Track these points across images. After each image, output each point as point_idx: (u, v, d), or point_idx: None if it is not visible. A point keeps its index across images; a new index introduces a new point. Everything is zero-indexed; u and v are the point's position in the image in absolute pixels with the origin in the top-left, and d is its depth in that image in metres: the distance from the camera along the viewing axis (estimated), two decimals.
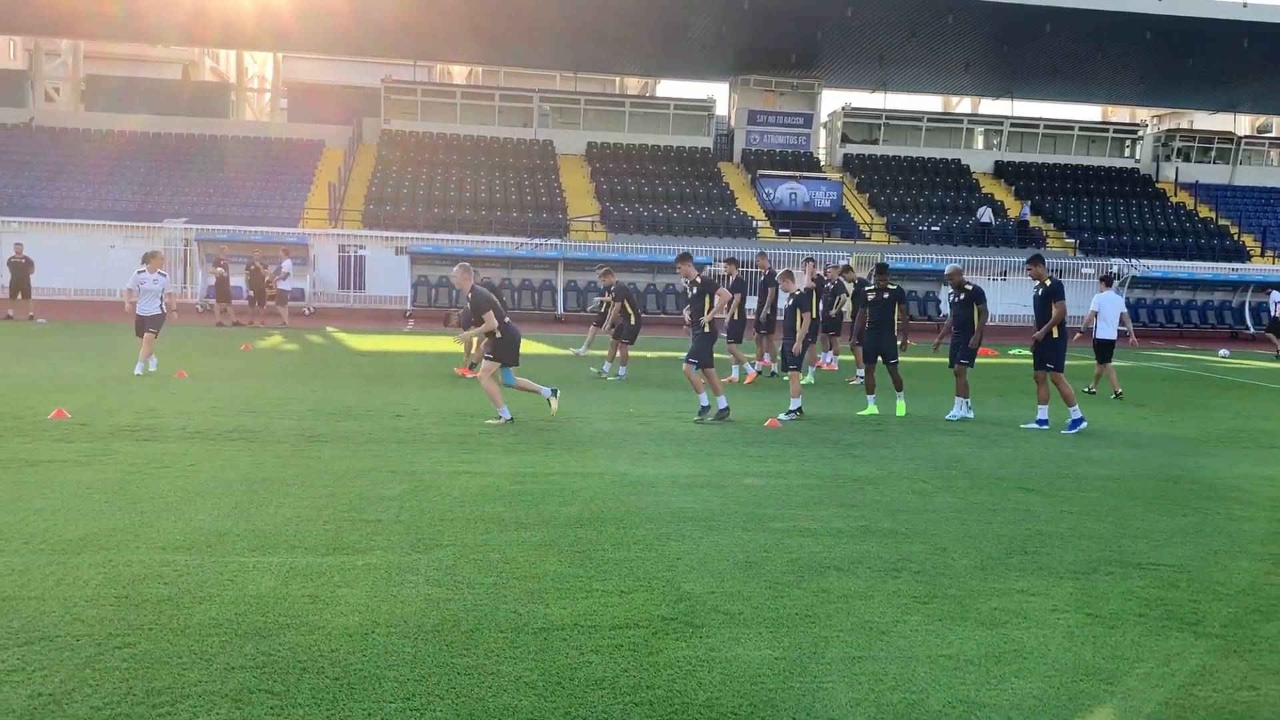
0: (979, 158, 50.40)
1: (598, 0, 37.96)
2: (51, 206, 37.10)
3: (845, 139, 49.91)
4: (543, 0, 38.11)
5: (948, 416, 12.97)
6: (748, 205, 43.29)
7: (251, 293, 25.80)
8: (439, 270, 32.48)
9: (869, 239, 42.24)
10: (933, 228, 42.25)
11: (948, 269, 13.60)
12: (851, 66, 47.54)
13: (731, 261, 16.24)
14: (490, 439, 10.25)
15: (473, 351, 16.10)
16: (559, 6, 38.73)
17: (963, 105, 58.23)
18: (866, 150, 49.42)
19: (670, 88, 57.96)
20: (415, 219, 38.43)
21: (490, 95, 48.02)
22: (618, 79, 54.92)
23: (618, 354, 16.77)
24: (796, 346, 12.72)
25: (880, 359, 13.18)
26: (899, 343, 13.28)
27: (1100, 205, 46.68)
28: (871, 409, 13.03)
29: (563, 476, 8.51)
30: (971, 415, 13.03)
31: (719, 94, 52.81)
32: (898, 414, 12.96)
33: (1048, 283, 12.61)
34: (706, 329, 12.38)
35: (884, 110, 50.24)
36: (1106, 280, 17.10)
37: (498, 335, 11.43)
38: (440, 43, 45.00)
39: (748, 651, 4.78)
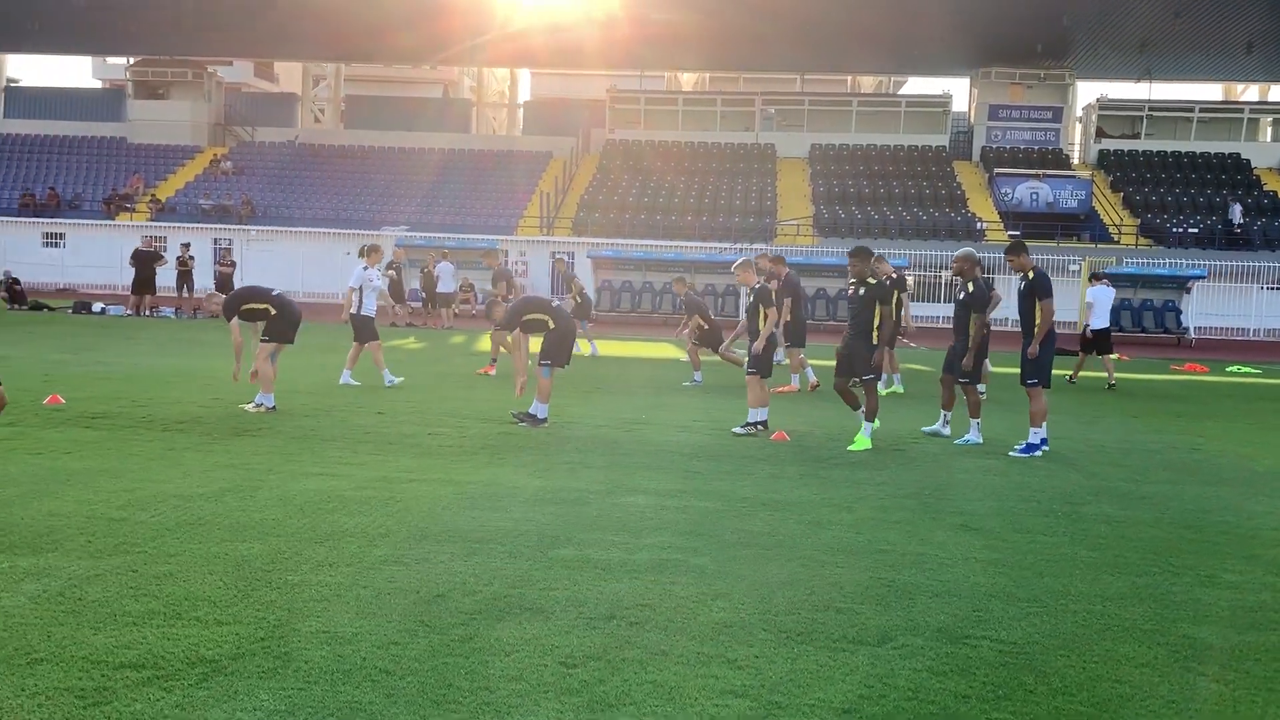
0: (1265, 152, 44.37)
1: None
2: (304, 216, 40.20)
3: (1100, 133, 45.45)
4: (778, 3, 37.23)
5: (1014, 451, 10.22)
6: (980, 207, 40.27)
7: (425, 294, 26.71)
8: (624, 275, 32.36)
9: (1117, 242, 38.16)
10: (1190, 229, 37.54)
11: (958, 254, 11.13)
12: (1107, 54, 43.27)
13: (778, 260, 14.61)
14: (440, 441, 9.65)
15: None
16: (794, 8, 37.69)
17: (1249, 92, 51.56)
18: (1125, 145, 44.76)
19: (906, 84, 55.08)
20: (621, 225, 38.55)
21: (712, 101, 47.55)
22: (849, 79, 52.85)
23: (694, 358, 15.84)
24: (757, 346, 10.81)
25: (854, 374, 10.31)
26: (882, 346, 10.37)
27: None
28: (862, 440, 10.10)
29: (420, 484, 7.75)
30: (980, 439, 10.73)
31: (958, 89, 49.56)
32: (854, 446, 9.97)
33: (1031, 275, 10.32)
34: (747, 354, 10.99)
35: (1147, 101, 45.37)
36: (1098, 276, 18.15)
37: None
38: (669, 50, 45.00)
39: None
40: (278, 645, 4.48)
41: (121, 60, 52.06)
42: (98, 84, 61.00)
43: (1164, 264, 32.70)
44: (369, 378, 13.73)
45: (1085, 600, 5.56)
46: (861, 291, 10.23)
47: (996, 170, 41.51)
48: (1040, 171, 41.00)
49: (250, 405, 11.13)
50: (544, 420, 10.83)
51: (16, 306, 27.09)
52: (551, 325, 10.87)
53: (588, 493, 7.70)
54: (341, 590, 5.25)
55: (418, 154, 45.75)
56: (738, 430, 10.75)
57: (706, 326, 15.25)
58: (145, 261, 26.45)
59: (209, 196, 41.88)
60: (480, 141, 48.04)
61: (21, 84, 55.03)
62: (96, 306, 27.21)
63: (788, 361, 15.29)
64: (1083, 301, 17.91)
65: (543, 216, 39.65)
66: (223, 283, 27.34)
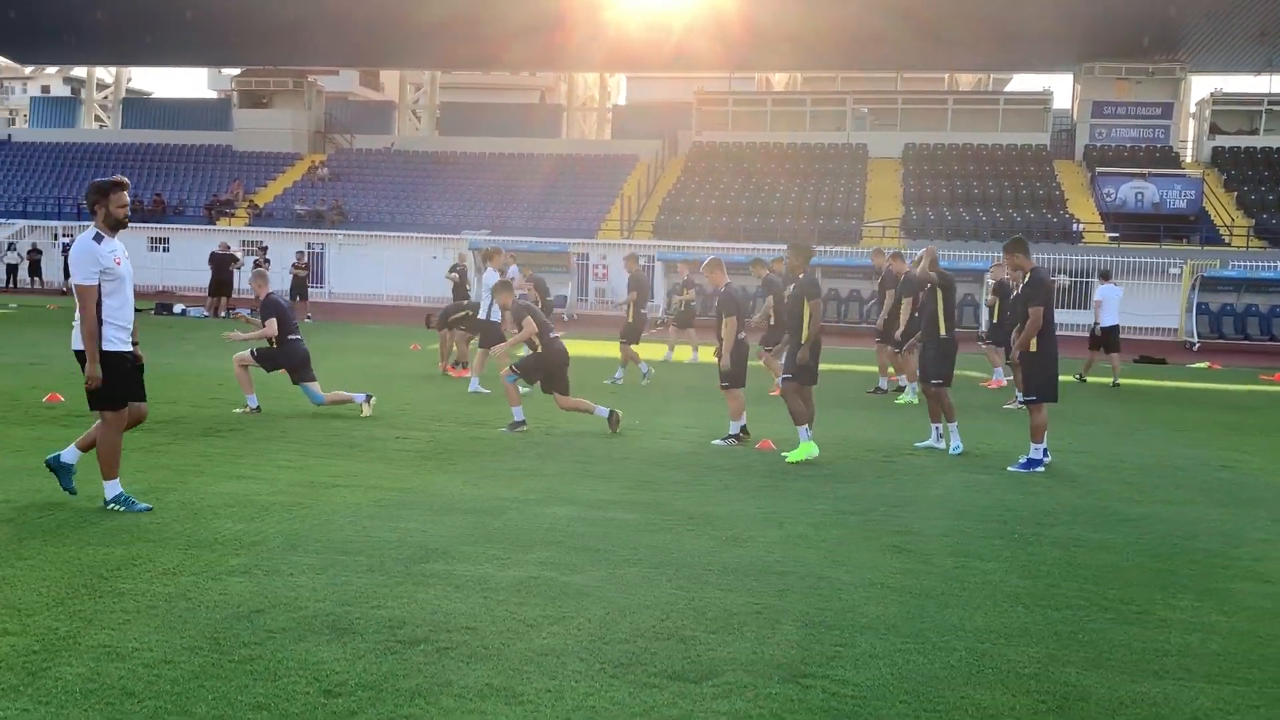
0: None
1: None
2: (394, 221, 40.92)
3: (1214, 129, 42.97)
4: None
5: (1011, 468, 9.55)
6: (1080, 207, 38.48)
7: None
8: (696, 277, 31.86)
9: (1227, 244, 35.98)
10: None
11: (922, 251, 10.61)
12: (1222, 46, 41.01)
13: (758, 263, 14.33)
14: (402, 446, 9.43)
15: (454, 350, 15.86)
16: (894, 4, 36.79)
17: None
18: (1241, 142, 42.23)
19: (1011, 82, 53.14)
20: (702, 228, 38.06)
21: (802, 101, 46.67)
22: (946, 76, 51.22)
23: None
24: (724, 362, 10.16)
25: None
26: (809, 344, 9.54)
27: None
28: (806, 448, 9.33)
29: (344, 490, 7.50)
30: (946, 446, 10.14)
31: (1059, 86, 47.14)
32: (792, 456, 9.28)
33: (1028, 277, 9.47)
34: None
35: (1266, 95, 42.69)
36: (1105, 275, 18.54)
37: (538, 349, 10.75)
38: (765, 51, 44.37)
39: None
40: (40, 660, 4.25)
41: (234, 71, 53.92)
42: (212, 95, 63.40)
43: (1271, 267, 30.60)
44: (496, 384, 13.06)
45: (975, 636, 4.96)
46: (790, 288, 9.81)
47: (1099, 169, 39.63)
48: (1146, 170, 38.98)
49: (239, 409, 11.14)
50: (521, 422, 10.56)
51: None
52: (539, 349, 10.68)
53: (511, 503, 7.34)
54: (159, 601, 5.00)
55: (507, 159, 46.09)
56: (717, 443, 10.25)
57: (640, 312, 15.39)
58: (221, 264, 27.13)
59: (304, 202, 42.96)
60: (569, 146, 48.11)
61: (138, 96, 57.50)
62: (177, 308, 28.05)
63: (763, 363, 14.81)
64: (1097, 303, 18.03)
65: (623, 220, 39.44)
66: (297, 286, 27.92)
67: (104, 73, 58.56)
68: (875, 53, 44.44)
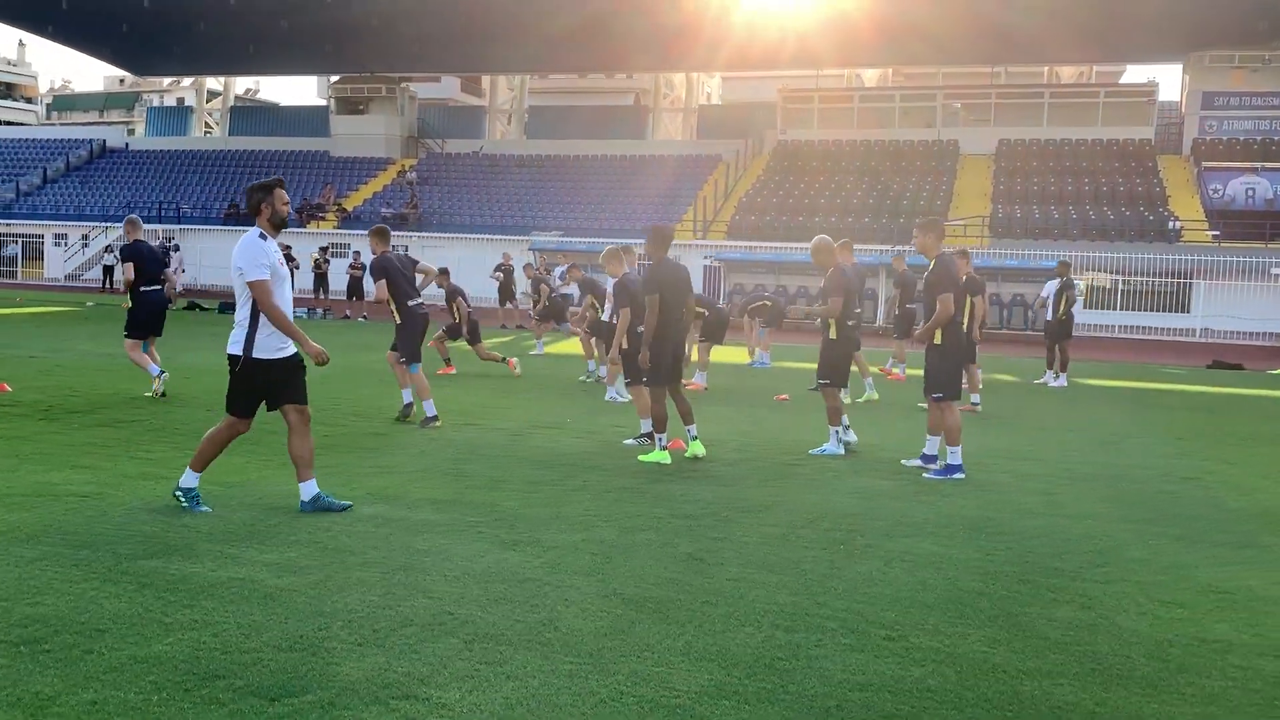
0: None
1: None
2: (477, 223, 41.32)
3: None
4: None
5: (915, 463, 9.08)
6: (1183, 205, 36.12)
7: (536, 297, 26.55)
8: (756, 278, 31.14)
9: None
10: None
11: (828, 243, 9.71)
12: None
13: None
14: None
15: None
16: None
17: None
18: None
19: (1124, 74, 50.43)
20: (778, 228, 37.19)
21: (890, 97, 45.16)
22: (1045, 69, 48.82)
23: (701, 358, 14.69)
24: (612, 353, 9.66)
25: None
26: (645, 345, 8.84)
27: None
28: (661, 455, 8.77)
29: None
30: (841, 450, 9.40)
31: (1167, 77, 44.17)
32: (645, 457, 8.84)
33: (931, 262, 8.67)
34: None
35: None
36: (1065, 267, 17.61)
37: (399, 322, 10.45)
38: (848, 47, 43.22)
39: None
40: None
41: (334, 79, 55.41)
42: (321, 102, 65.29)
43: None
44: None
45: (607, 654, 4.35)
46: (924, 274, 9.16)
47: (1204, 164, 37.19)
48: (1258, 164, 36.41)
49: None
50: (433, 417, 10.26)
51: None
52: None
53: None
54: None
55: (591, 161, 46.05)
56: (628, 441, 9.71)
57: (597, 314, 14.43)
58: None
59: (390, 205, 43.75)
60: (652, 147, 47.75)
61: (246, 104, 59.63)
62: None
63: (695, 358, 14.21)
64: (1044, 299, 17.98)
65: (696, 220, 38.87)
66: (353, 286, 28.31)
67: (213, 83, 60.98)
68: (971, 47, 42.77)
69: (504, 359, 15.45)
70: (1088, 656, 4.58)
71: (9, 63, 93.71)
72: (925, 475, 8.59)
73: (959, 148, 42.15)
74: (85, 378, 13.03)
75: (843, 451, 9.46)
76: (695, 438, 9.08)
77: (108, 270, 39.04)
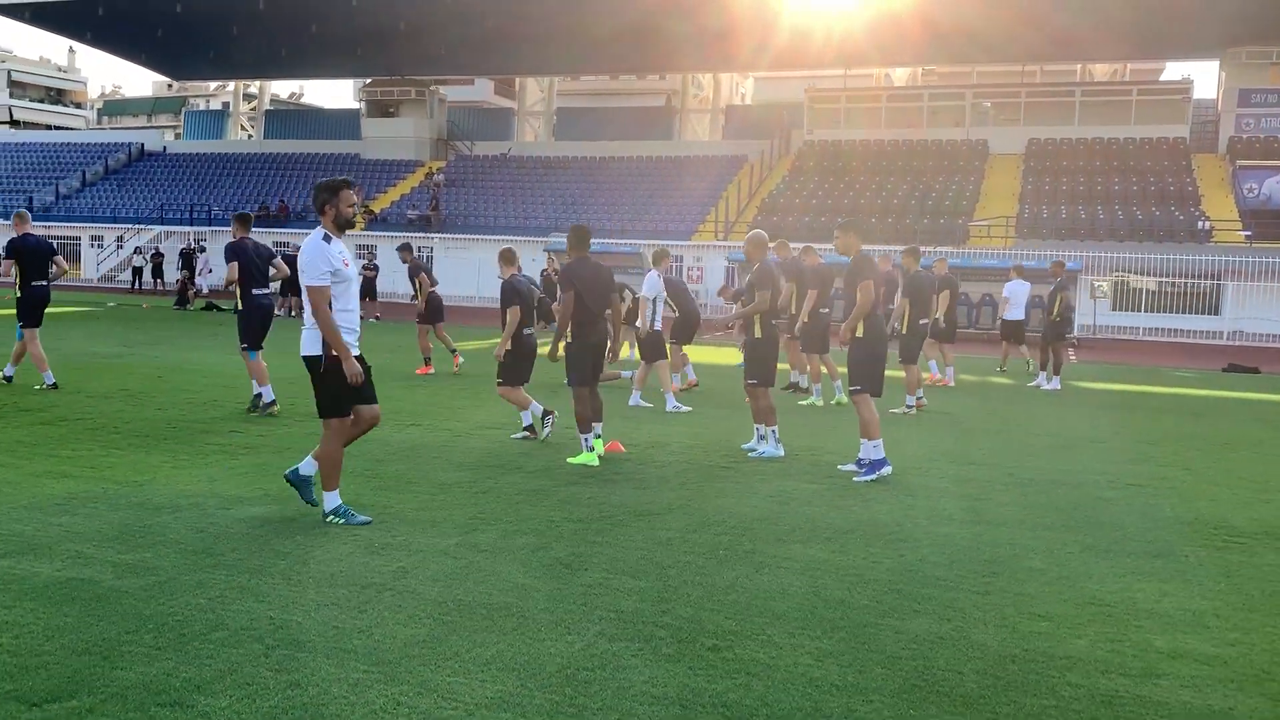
0: None
1: None
2: (500, 224, 41.46)
3: None
4: None
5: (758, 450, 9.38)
6: (1217, 205, 35.24)
7: (544, 295, 26.56)
8: None
9: None
10: None
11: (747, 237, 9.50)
12: None
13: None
14: (217, 440, 9.17)
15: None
16: None
17: None
18: None
19: (1164, 71, 49.29)
20: (800, 229, 36.82)
21: (918, 96, 44.55)
22: (1079, 67, 47.86)
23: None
24: (498, 352, 9.72)
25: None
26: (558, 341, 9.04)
27: None
28: (589, 456, 8.69)
29: (51, 480, 7.25)
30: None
31: (1200, 73, 42.80)
32: (573, 459, 8.70)
33: (851, 256, 8.50)
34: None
35: None
36: (1018, 270, 18.91)
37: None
38: (892, 47, 42.70)
39: None
40: None
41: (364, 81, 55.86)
42: (355, 105, 65.89)
43: None
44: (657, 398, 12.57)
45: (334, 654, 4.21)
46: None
47: (1239, 163, 36.28)
48: None
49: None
50: (271, 402, 10.71)
51: (182, 307, 29.37)
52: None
53: (199, 499, 6.92)
54: None
55: (616, 163, 45.98)
56: (515, 436, 9.85)
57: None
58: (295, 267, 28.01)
59: (415, 207, 44.01)
60: (678, 148, 47.58)
61: (280, 108, 60.28)
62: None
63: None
64: (1005, 299, 18.89)
65: (718, 221, 38.64)
66: (366, 287, 28.44)
67: (255, 87, 61.76)
68: (1003, 45, 42.09)
69: (454, 351, 15.56)
70: (916, 672, 4.38)
71: (60, 69, 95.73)
72: (855, 479, 8.37)
73: (988, 147, 41.52)
74: (58, 376, 13.12)
75: (782, 453, 9.26)
76: (599, 436, 9.00)
77: (136, 271, 39.68)
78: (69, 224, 46.80)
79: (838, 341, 9.09)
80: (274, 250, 11.58)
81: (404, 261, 15.72)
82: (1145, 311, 30.93)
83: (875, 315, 8.48)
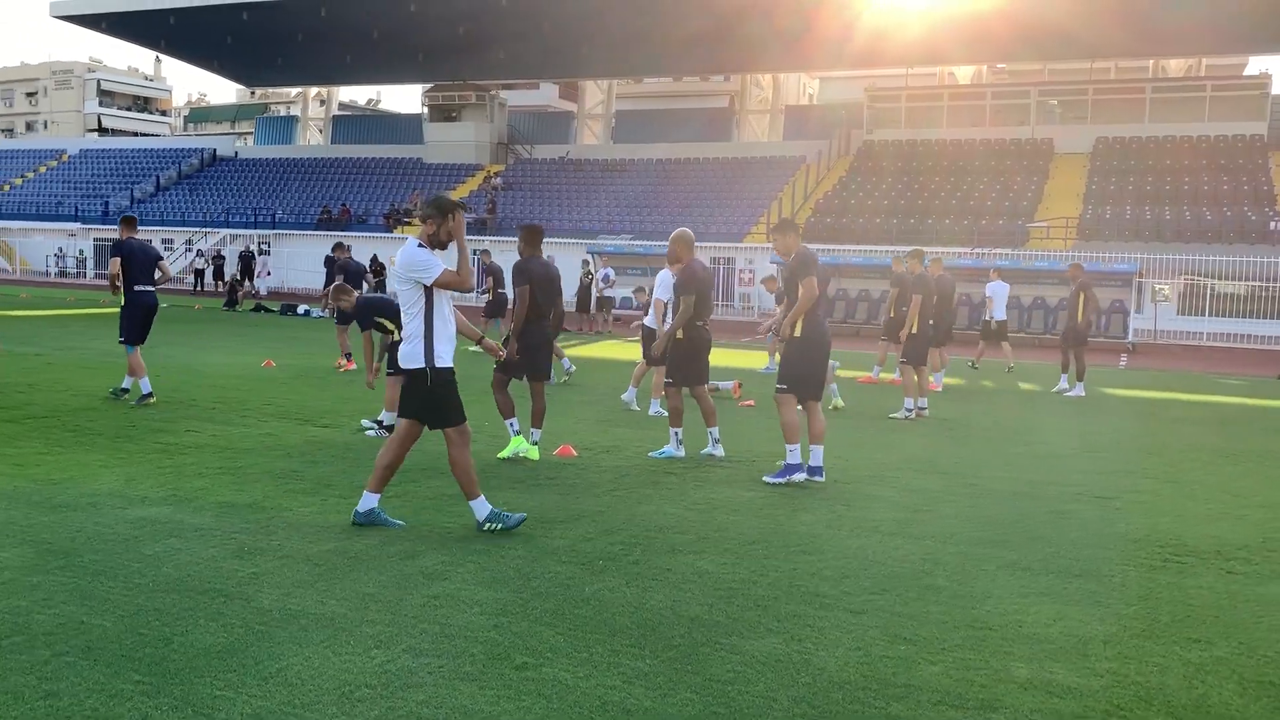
0: None
1: None
2: (554, 227, 41.42)
3: None
4: None
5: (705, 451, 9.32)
6: None
7: (576, 299, 26.56)
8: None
9: None
10: None
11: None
12: None
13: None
14: (165, 438, 9.16)
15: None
16: None
17: None
18: None
19: (1248, 65, 47.35)
20: (855, 230, 36.21)
21: (981, 94, 43.44)
22: (1150, 63, 46.16)
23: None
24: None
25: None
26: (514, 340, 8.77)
27: None
28: (517, 441, 8.79)
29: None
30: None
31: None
32: (502, 452, 8.80)
33: (790, 255, 8.20)
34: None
35: None
36: (999, 271, 20.13)
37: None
38: (977, 43, 41.69)
39: None
40: None
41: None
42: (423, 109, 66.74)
43: None
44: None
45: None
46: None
47: None
48: None
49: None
50: (148, 394, 11.01)
51: (231, 308, 29.91)
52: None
53: (98, 497, 6.86)
54: None
55: (674, 165, 45.76)
56: (370, 432, 9.82)
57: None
58: (335, 268, 28.22)
59: (472, 210, 44.29)
60: (736, 149, 47.16)
61: (347, 113, 61.28)
62: (301, 309, 29.42)
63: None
64: (988, 298, 19.60)
65: (769, 223, 38.08)
66: (377, 287, 28.62)
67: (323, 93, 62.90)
68: (1084, 40, 40.74)
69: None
70: (727, 698, 4.05)
71: (145, 78, 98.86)
72: (765, 478, 8.13)
73: (1053, 146, 40.31)
74: (62, 374, 13.34)
75: (682, 454, 9.11)
76: (519, 433, 8.91)
77: (198, 274, 40.64)
78: (142, 228, 48.05)
79: (776, 338, 8.90)
80: (161, 253, 12.06)
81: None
82: (1209, 316, 29.62)
83: (815, 315, 8.09)
